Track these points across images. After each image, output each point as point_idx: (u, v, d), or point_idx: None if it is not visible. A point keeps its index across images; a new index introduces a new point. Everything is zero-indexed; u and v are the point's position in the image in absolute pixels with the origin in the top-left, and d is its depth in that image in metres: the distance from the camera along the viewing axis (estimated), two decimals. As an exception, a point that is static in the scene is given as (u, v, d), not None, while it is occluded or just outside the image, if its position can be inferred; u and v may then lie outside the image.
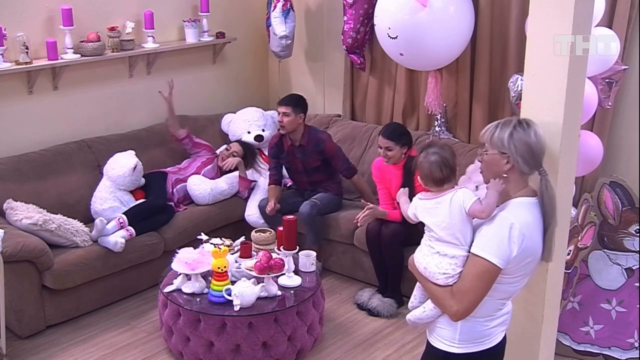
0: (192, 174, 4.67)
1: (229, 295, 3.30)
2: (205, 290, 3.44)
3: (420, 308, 2.25)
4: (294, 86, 5.55)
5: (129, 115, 4.84)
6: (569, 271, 3.40)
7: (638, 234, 3.53)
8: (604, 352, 3.54)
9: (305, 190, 4.58)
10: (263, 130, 5.08)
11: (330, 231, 4.42)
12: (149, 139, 4.80)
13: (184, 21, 5.00)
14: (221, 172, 4.81)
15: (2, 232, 3.32)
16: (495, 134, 2.11)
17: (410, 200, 2.32)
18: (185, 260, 3.49)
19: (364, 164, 4.70)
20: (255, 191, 4.80)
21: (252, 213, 4.67)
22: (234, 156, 4.82)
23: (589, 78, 3.07)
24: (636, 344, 3.50)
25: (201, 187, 4.58)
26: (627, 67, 3.50)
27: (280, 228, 3.65)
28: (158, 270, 3.91)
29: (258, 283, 3.40)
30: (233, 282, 3.40)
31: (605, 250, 3.59)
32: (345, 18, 4.73)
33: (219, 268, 3.34)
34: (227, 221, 4.67)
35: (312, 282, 3.61)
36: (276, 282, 3.51)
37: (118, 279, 4.08)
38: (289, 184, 4.79)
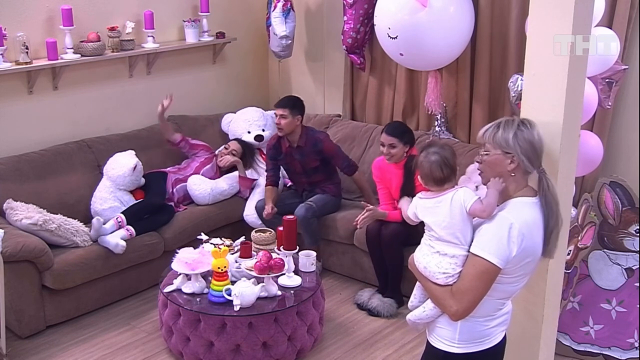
0: (192, 173, 4.67)
1: (229, 295, 3.30)
2: (205, 290, 3.44)
3: (420, 308, 2.25)
4: (294, 86, 5.55)
5: (129, 115, 4.84)
6: (569, 271, 3.40)
7: (638, 234, 3.53)
8: (604, 352, 3.54)
9: (303, 191, 4.58)
10: (263, 130, 5.08)
11: (330, 231, 4.41)
12: (149, 139, 4.79)
13: (184, 21, 5.00)
14: (220, 171, 4.81)
15: (2, 232, 3.32)
16: (499, 134, 2.11)
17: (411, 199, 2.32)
18: (185, 260, 3.49)
19: (364, 163, 4.69)
20: (255, 191, 4.79)
21: (250, 213, 4.66)
22: (233, 155, 4.83)
23: (589, 78, 3.06)
24: (636, 344, 3.50)
25: (201, 187, 4.58)
26: (627, 67, 3.50)
27: (280, 228, 3.65)
28: (158, 270, 3.91)
29: (258, 283, 3.40)
30: (233, 282, 3.40)
31: (605, 250, 3.59)
32: (345, 18, 4.72)
33: (219, 268, 3.34)
34: (227, 221, 4.67)
35: (312, 282, 3.61)
36: (276, 282, 3.51)
37: (118, 279, 4.09)
38: (289, 184, 4.79)
